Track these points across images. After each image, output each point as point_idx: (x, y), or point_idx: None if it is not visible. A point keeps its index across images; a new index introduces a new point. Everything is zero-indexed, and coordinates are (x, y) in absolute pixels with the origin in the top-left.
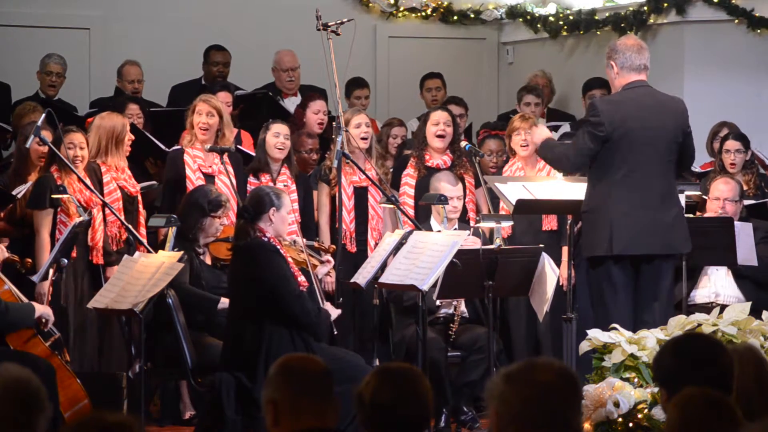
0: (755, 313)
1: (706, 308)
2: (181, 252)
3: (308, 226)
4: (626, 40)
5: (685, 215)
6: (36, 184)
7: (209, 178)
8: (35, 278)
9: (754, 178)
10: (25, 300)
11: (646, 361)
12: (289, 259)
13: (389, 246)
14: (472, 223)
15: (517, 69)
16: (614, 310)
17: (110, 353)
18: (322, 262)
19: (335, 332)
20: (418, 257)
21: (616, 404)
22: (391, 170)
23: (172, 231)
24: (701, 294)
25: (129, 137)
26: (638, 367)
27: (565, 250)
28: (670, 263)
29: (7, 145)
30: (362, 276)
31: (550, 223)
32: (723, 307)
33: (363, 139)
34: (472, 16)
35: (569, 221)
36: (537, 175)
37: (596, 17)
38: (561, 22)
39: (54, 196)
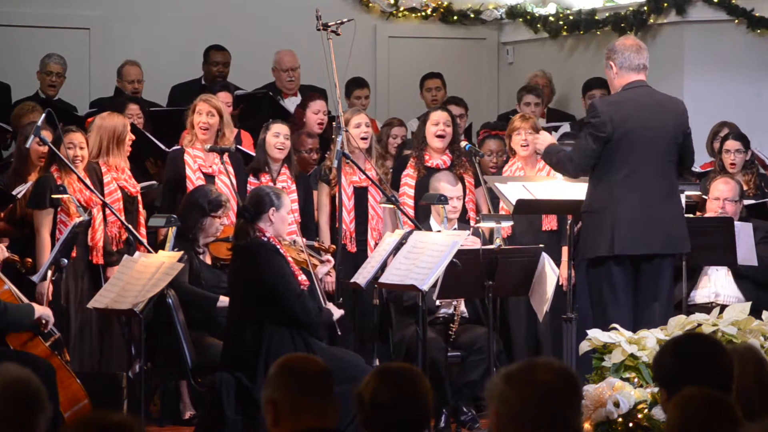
0: (755, 313)
1: (706, 308)
2: (181, 252)
3: (308, 226)
4: (625, 41)
5: (685, 215)
6: (36, 183)
7: (209, 178)
8: (35, 278)
9: (754, 178)
10: (25, 300)
11: (646, 361)
12: (289, 259)
13: (389, 246)
14: (472, 223)
15: (517, 69)
16: (614, 310)
17: (110, 353)
18: (322, 262)
19: (339, 333)
20: (418, 257)
21: (616, 404)
22: (391, 170)
23: (172, 231)
24: (701, 294)
25: (130, 137)
26: (638, 367)
27: (565, 250)
28: (670, 262)
29: (7, 145)
30: (362, 276)
31: (550, 223)
32: (723, 307)
33: (363, 139)
34: (472, 16)
35: (569, 221)
36: (537, 175)
37: (596, 17)
38: (561, 22)
39: (54, 196)
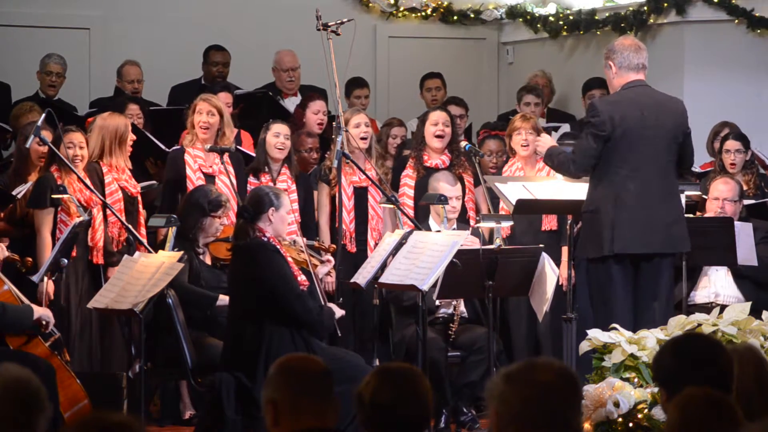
0: (755, 313)
1: (706, 308)
2: (181, 252)
3: (308, 226)
4: (624, 40)
5: (685, 215)
6: (36, 183)
7: (209, 178)
8: (35, 278)
9: (754, 178)
10: (25, 300)
11: (646, 361)
12: (289, 259)
13: (389, 246)
14: (472, 223)
15: (517, 69)
16: (614, 309)
17: (110, 353)
18: (322, 262)
19: (339, 333)
20: (418, 257)
21: (616, 404)
22: (391, 170)
23: (172, 231)
24: (701, 294)
25: (131, 137)
26: (638, 367)
27: (565, 250)
28: (670, 262)
29: (7, 145)
30: (362, 276)
31: (550, 223)
32: (723, 307)
33: (362, 138)
34: (472, 16)
35: (569, 221)
36: (537, 175)
37: (596, 17)
38: (561, 22)
39: (54, 196)
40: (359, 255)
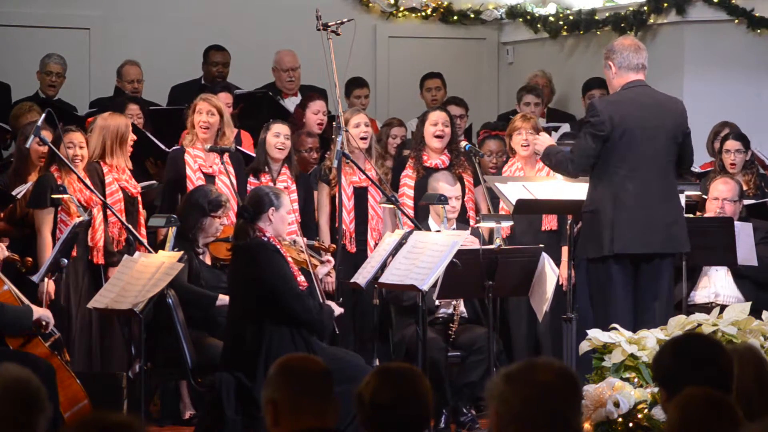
0: (755, 313)
1: (706, 308)
2: (181, 252)
3: (308, 226)
4: (624, 40)
5: (685, 215)
6: (36, 183)
7: (209, 178)
8: (35, 278)
9: (754, 178)
10: (26, 301)
11: (646, 361)
12: (289, 259)
13: (389, 246)
14: (471, 222)
15: (517, 69)
16: (614, 309)
17: (110, 353)
18: (322, 262)
19: (337, 331)
20: (418, 257)
21: (616, 404)
22: (391, 170)
23: (172, 231)
24: (701, 294)
25: (132, 137)
26: (638, 367)
27: (565, 250)
28: (670, 262)
29: (7, 145)
30: (362, 276)
31: (550, 223)
32: (723, 307)
33: (362, 138)
34: (472, 16)
35: (569, 221)
36: (537, 175)
37: (596, 17)
38: (561, 22)
39: (54, 196)
40: (359, 255)
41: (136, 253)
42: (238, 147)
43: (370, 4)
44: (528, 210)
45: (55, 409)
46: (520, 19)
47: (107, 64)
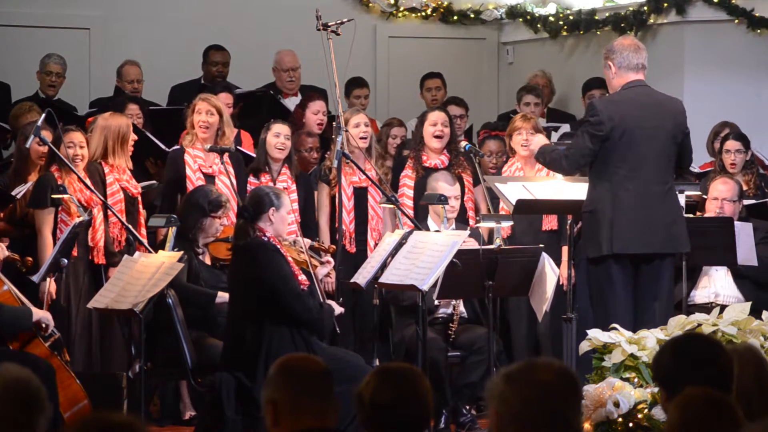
0: (755, 313)
1: (706, 308)
2: (181, 252)
3: (309, 226)
4: (623, 40)
5: (685, 215)
6: (37, 183)
7: (209, 178)
8: (35, 278)
9: (754, 178)
10: (26, 301)
11: (646, 361)
12: (290, 259)
13: (389, 246)
14: (471, 222)
15: (517, 69)
16: (614, 309)
17: (110, 353)
18: (322, 263)
19: (338, 331)
20: (418, 257)
21: (616, 404)
22: (391, 170)
23: (172, 231)
24: (701, 294)
25: (132, 137)
26: (638, 367)
27: (565, 250)
28: (670, 262)
29: (7, 145)
30: (362, 276)
31: (550, 223)
32: (723, 307)
33: (362, 138)
34: (472, 16)
35: (569, 221)
36: (537, 175)
37: (596, 17)
38: (561, 22)
39: (54, 195)
40: (359, 255)
41: (136, 253)
42: (238, 147)
43: (370, 4)
44: (528, 210)
45: (55, 409)
46: (520, 19)
47: (107, 64)
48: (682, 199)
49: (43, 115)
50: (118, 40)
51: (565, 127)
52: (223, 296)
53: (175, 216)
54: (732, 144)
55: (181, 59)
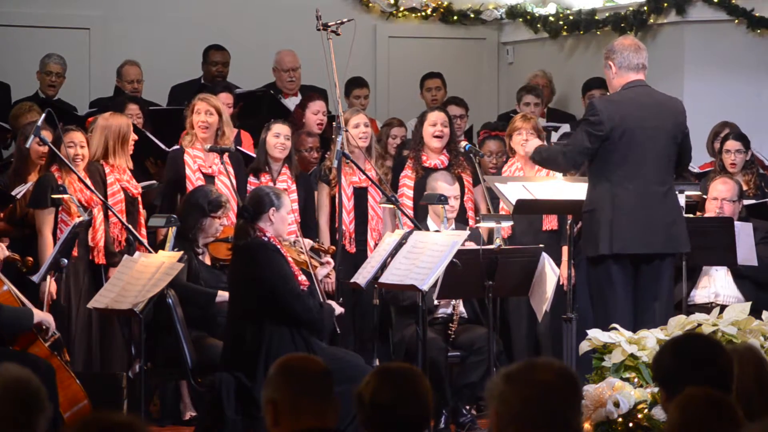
0: (755, 313)
1: (706, 308)
2: (181, 252)
3: (309, 226)
4: (624, 40)
5: (685, 215)
6: (37, 183)
7: (209, 178)
8: (36, 278)
9: (754, 178)
10: (26, 301)
11: (646, 361)
12: (290, 260)
13: (389, 246)
14: (471, 222)
15: (517, 69)
16: (614, 309)
17: (110, 353)
18: (321, 264)
19: (339, 331)
20: (418, 257)
21: (616, 404)
22: (391, 170)
23: (172, 231)
24: (701, 294)
25: (133, 137)
26: (638, 367)
27: (565, 250)
28: (670, 262)
29: (7, 145)
30: (362, 276)
31: (550, 223)
32: (723, 307)
33: (362, 138)
34: (472, 16)
35: (569, 221)
36: (537, 175)
37: (596, 17)
38: (561, 22)
39: (54, 195)
40: (359, 255)
41: (136, 253)
42: (238, 147)
43: (370, 4)
44: (528, 210)
45: (55, 409)
46: (520, 19)
47: (107, 64)
48: (682, 199)
49: (43, 115)
50: (118, 40)
51: (565, 127)
52: (223, 295)
53: (175, 216)
54: (732, 144)
55: (181, 59)
